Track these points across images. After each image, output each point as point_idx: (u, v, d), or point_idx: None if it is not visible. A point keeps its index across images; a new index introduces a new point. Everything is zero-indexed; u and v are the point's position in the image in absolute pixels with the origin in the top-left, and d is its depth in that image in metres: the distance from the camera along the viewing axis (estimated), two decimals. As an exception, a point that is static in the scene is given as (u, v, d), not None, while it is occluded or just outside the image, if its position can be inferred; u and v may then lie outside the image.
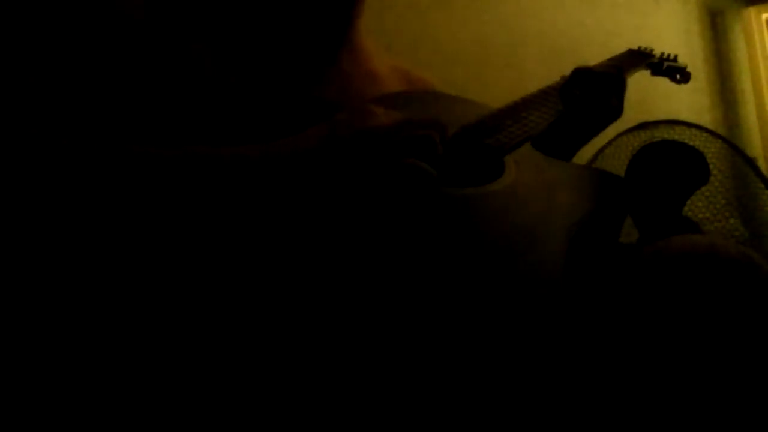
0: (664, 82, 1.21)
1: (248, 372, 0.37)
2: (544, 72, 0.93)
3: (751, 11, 2.57)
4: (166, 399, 0.36)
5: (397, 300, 0.42)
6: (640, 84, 1.32)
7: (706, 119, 2.22)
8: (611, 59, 1.00)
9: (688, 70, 1.16)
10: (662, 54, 1.17)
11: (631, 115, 1.66)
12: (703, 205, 1.50)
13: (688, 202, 1.47)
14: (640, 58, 1.08)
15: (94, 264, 0.39)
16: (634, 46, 1.16)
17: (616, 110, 0.80)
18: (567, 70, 0.85)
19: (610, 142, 1.58)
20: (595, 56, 1.03)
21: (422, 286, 0.43)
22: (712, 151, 1.50)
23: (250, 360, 0.38)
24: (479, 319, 0.42)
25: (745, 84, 2.53)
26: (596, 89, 0.77)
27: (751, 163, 1.53)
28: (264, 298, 0.40)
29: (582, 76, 0.78)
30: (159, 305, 0.39)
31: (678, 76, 1.17)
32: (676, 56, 1.19)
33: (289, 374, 0.37)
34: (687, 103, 2.16)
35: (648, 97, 1.89)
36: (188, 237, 0.42)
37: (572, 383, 0.42)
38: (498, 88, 1.51)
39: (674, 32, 2.28)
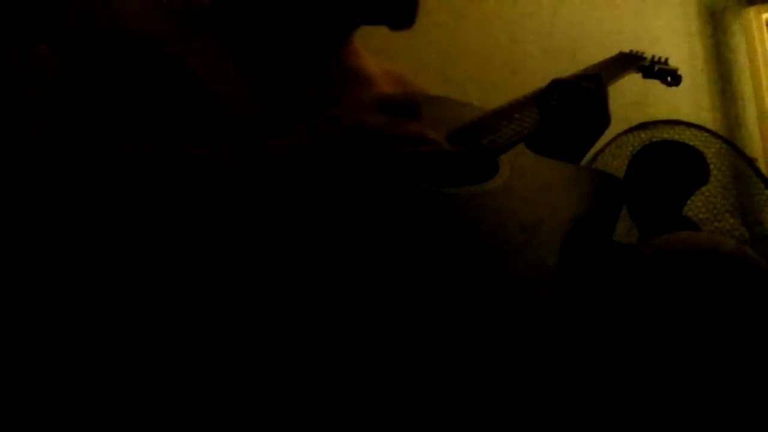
0: (663, 82, 1.21)
1: (241, 371, 0.37)
2: (544, 72, 0.93)
3: (751, 11, 2.57)
4: (165, 399, 0.36)
5: (392, 297, 0.42)
6: (640, 84, 1.32)
7: (706, 119, 2.22)
8: (602, 62, 1.01)
9: (679, 72, 1.17)
10: (653, 57, 1.18)
11: (631, 115, 1.67)
12: (703, 205, 1.50)
13: (688, 202, 1.47)
14: (631, 61, 1.09)
15: (90, 264, 0.39)
16: (633, 47, 1.17)
17: (601, 121, 0.78)
18: (567, 70, 0.86)
19: (610, 142, 1.59)
20: (594, 56, 1.04)
21: (414, 283, 0.43)
22: (712, 151, 1.51)
23: (244, 358, 0.38)
24: (473, 317, 0.42)
25: (745, 84, 2.53)
26: (573, 101, 0.76)
27: (751, 163, 1.53)
28: (258, 296, 0.40)
29: (558, 87, 0.77)
30: (155, 305, 0.39)
31: (669, 79, 1.18)
32: (667, 59, 1.20)
33: (283, 372, 0.37)
34: (687, 103, 2.16)
35: (648, 97, 1.89)
36: (182, 237, 0.42)
37: (569, 381, 0.42)
38: (498, 88, 1.51)
39: (674, 32, 2.28)
